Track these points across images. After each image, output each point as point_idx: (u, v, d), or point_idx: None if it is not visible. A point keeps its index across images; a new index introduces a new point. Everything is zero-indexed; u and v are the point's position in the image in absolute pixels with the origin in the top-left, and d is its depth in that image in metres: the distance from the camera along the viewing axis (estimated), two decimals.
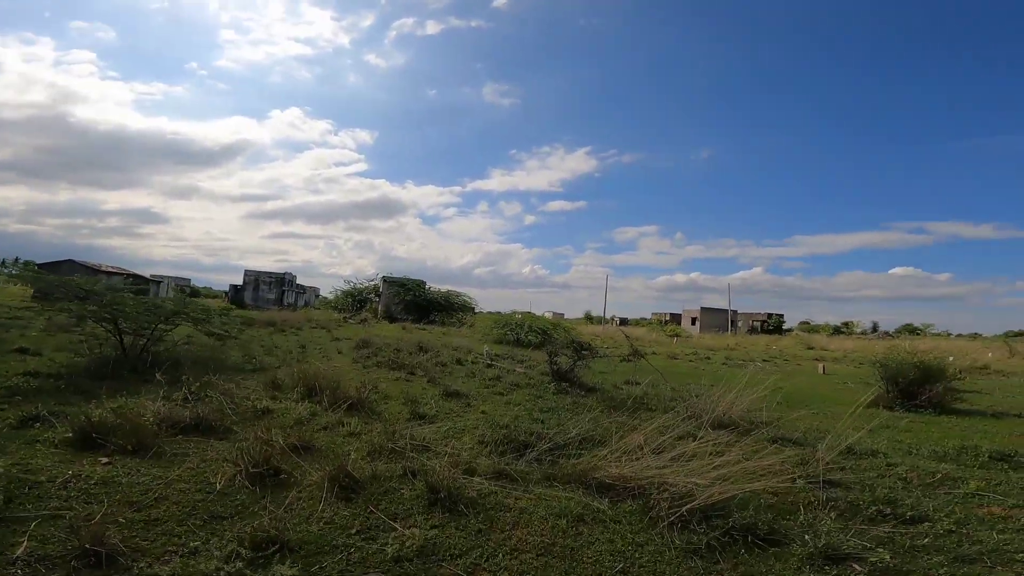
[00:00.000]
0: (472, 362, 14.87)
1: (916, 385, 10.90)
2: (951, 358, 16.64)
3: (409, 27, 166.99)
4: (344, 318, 36.59)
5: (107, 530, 3.03)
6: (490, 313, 50.29)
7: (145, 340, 9.41)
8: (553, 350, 12.05)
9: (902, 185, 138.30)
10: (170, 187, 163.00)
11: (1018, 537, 4.09)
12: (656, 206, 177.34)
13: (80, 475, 3.89)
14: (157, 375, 7.96)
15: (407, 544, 3.38)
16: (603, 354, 12.35)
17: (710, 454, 4.92)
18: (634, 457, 5.20)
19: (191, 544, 3.11)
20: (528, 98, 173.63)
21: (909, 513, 4.41)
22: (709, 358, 25.01)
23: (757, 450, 5.38)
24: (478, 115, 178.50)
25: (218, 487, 3.96)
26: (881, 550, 3.69)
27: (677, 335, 44.51)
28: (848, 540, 3.77)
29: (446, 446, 5.50)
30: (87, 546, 2.83)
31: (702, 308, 76.76)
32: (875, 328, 75.94)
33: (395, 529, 3.62)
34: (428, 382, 10.44)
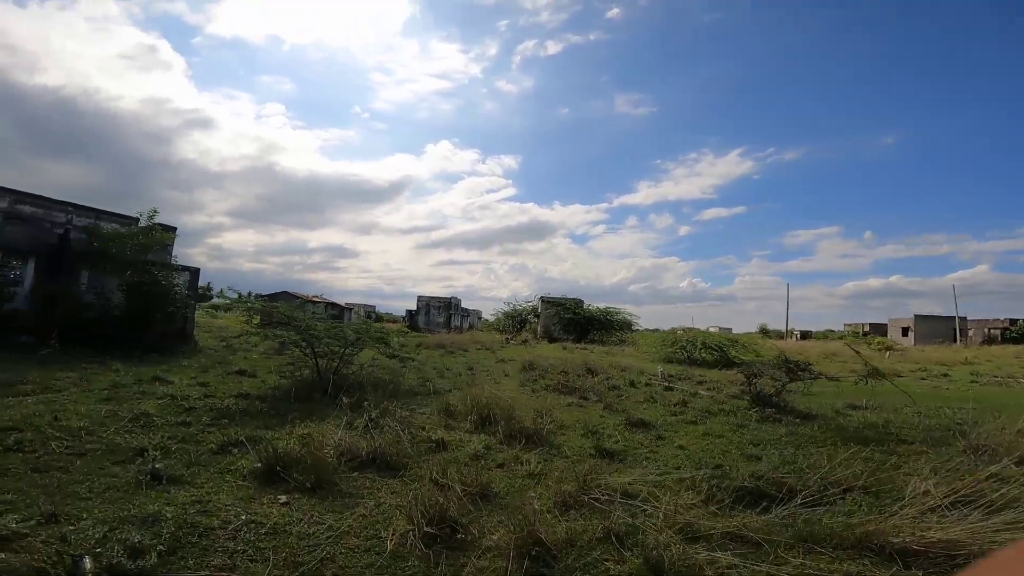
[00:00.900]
0: (646, 384, 13.41)
1: None
2: None
3: (531, 50, 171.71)
4: (506, 339, 37.31)
5: None
6: (650, 330, 47.31)
7: (336, 363, 9.87)
8: (753, 371, 10.11)
9: None
10: (355, 224, 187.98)
11: None
12: (833, 204, 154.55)
13: (254, 521, 3.58)
14: (342, 398, 8.18)
15: None
16: (819, 374, 9.98)
17: None
18: (927, 509, 3.60)
19: None
20: (663, 104, 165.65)
21: None
22: (947, 375, 19.90)
23: None
24: (613, 127, 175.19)
25: (389, 547, 3.32)
26: None
27: (890, 348, 36.95)
28: None
29: (654, 496, 4.32)
30: None
31: (916, 316, 63.54)
32: None
33: None
34: (604, 409, 9.34)
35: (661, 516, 3.78)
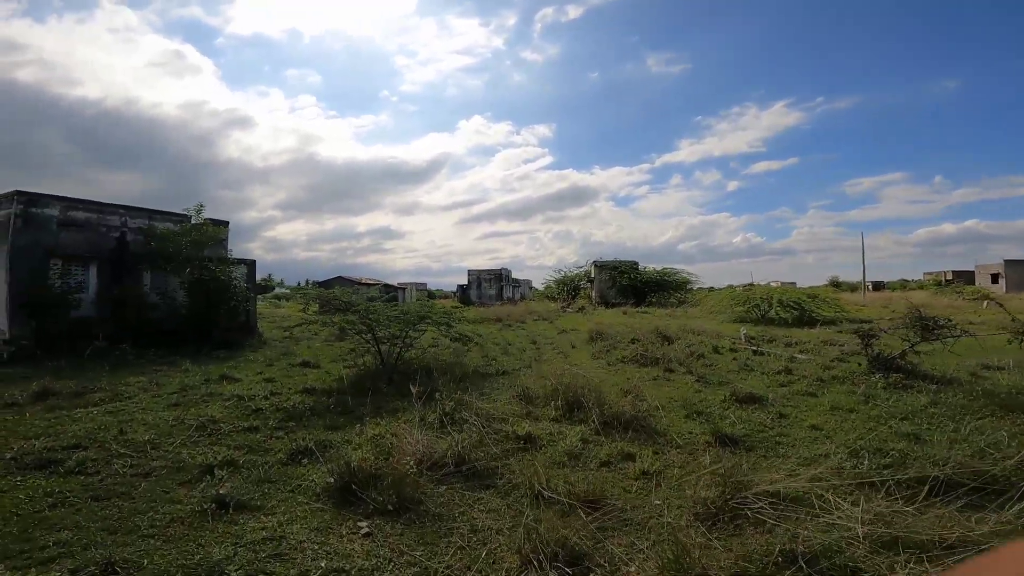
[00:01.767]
0: (732, 350, 12.26)
1: None
2: None
3: (551, 16, 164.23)
4: (562, 308, 36.40)
5: None
6: (707, 289, 44.77)
7: (399, 348, 9.33)
8: (868, 331, 8.83)
9: None
10: (398, 205, 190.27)
11: None
12: (896, 151, 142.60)
13: (336, 570, 2.90)
14: (412, 389, 7.61)
15: None
16: (961, 332, 8.56)
17: None
18: None
19: None
20: (698, 61, 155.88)
21: None
22: None
23: None
24: (649, 88, 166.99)
25: None
26: None
27: (987, 297, 33.47)
28: None
29: (822, 496, 3.39)
30: None
31: (1006, 261, 57.64)
32: None
33: None
34: (697, 381, 8.36)
35: (859, 527, 2.85)
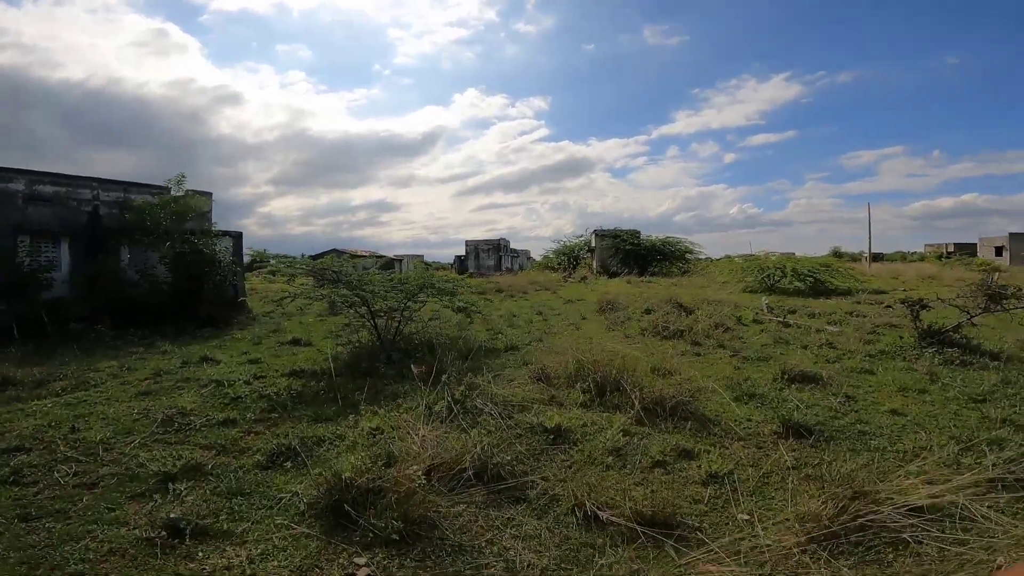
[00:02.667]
0: (755, 321, 11.41)
1: None
2: None
3: None
4: (564, 277, 35.47)
5: None
6: (704, 259, 43.57)
7: (397, 322, 8.41)
8: (917, 300, 7.96)
9: None
10: (394, 178, 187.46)
11: None
12: (895, 125, 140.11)
13: None
14: (412, 368, 6.71)
15: None
16: None
17: None
18: None
19: None
20: (696, 32, 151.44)
21: None
22: None
23: None
24: (646, 60, 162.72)
25: None
26: None
27: (997, 270, 32.64)
28: None
29: (961, 506, 2.52)
30: None
31: (1011, 234, 56.68)
32: None
33: None
34: (733, 356, 7.51)
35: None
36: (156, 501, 3.41)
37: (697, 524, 2.86)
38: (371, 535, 2.79)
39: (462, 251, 62.10)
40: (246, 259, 17.17)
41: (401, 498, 2.92)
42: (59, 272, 12.31)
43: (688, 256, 40.05)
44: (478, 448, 3.71)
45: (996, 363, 6.58)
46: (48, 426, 4.94)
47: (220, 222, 16.28)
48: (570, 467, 3.77)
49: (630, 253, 39.18)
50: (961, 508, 2.60)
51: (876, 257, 68.15)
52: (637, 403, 4.74)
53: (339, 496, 3.02)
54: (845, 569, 2.28)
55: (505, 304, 18.00)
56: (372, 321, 8.29)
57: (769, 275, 21.79)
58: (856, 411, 4.91)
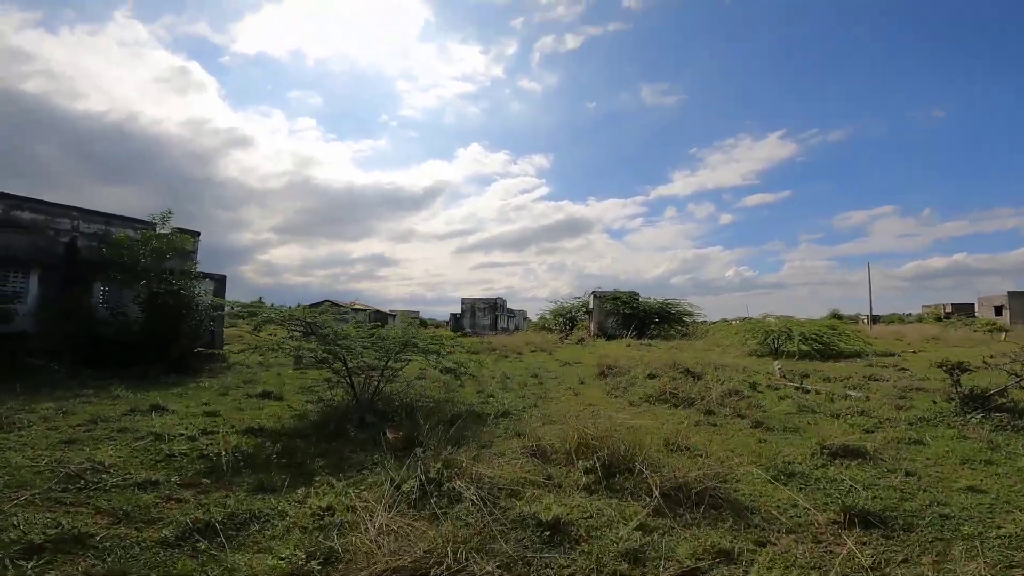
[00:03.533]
0: (770, 387, 10.54)
1: None
2: None
3: (550, 46, 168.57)
4: (560, 338, 34.60)
5: None
6: (704, 323, 42.86)
7: (376, 381, 7.53)
8: (957, 363, 7.24)
9: None
10: (394, 232, 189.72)
11: None
12: (886, 183, 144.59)
13: None
14: (386, 434, 5.79)
15: None
16: None
17: None
18: None
19: None
20: (692, 92, 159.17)
21: None
22: None
23: None
24: (643, 118, 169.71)
25: None
26: None
27: (1004, 329, 32.07)
28: None
29: None
30: None
31: (1010, 293, 56.93)
32: None
33: None
34: (755, 427, 6.62)
35: None
36: None
37: None
38: None
39: (458, 309, 61.38)
40: (257, 296, 16.37)
41: None
42: (23, 304, 11.49)
43: (686, 319, 39.46)
44: (450, 549, 2.80)
45: None
46: None
47: (217, 267, 15.74)
48: None
49: (629, 315, 38.53)
50: None
51: (874, 319, 67.87)
52: (655, 488, 3.84)
53: None
54: None
55: (499, 365, 17.08)
56: (349, 378, 7.41)
57: (774, 338, 21.05)
58: (925, 490, 4.02)
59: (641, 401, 9.14)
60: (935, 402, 7.65)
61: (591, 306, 43.79)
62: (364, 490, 4.09)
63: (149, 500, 3.75)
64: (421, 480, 4.01)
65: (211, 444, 5.46)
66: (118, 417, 6.72)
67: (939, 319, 60.49)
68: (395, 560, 2.70)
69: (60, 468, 4.29)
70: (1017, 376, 6.95)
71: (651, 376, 12.25)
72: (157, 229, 13.54)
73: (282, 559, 2.55)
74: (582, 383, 12.29)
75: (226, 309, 8.12)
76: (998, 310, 57.64)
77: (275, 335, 8.58)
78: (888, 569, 2.81)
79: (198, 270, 14.52)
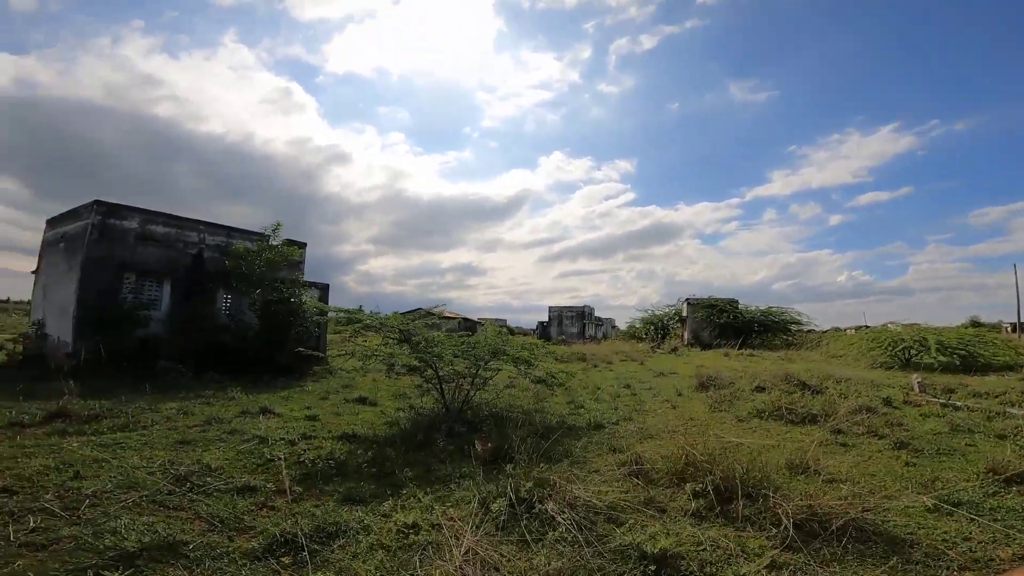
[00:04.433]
0: (905, 402, 9.16)
1: None
2: None
3: (626, 47, 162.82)
4: (652, 348, 33.18)
5: None
6: (815, 332, 38.75)
7: (465, 390, 7.42)
8: None
9: None
10: (481, 242, 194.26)
11: None
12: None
13: None
14: (475, 446, 5.60)
15: None
16: None
17: None
18: None
19: None
20: (786, 87, 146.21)
21: None
22: None
23: None
24: (733, 118, 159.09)
25: None
26: None
27: None
28: None
29: None
30: None
31: None
32: None
33: None
34: (898, 449, 5.66)
35: None
36: None
37: None
38: None
39: (545, 317, 61.16)
40: (358, 304, 17.30)
41: None
42: (158, 311, 12.81)
43: (793, 328, 36.25)
44: None
45: None
46: (55, 468, 4.37)
47: (322, 278, 16.76)
48: None
49: (726, 324, 36.20)
50: None
51: (1022, 327, 58.27)
52: (786, 518, 3.26)
53: None
54: None
55: (589, 375, 16.54)
56: (439, 386, 7.35)
57: (904, 349, 18.56)
58: None
59: (750, 416, 8.27)
60: None
61: (684, 314, 41.69)
62: (451, 506, 3.88)
63: (244, 506, 3.79)
64: (511, 499, 3.72)
65: (308, 449, 5.58)
66: (230, 419, 7.13)
67: None
68: None
69: (170, 470, 4.51)
70: None
71: (759, 389, 11.18)
72: (269, 241, 14.62)
73: None
74: (679, 395, 11.47)
75: (329, 315, 8.33)
76: None
77: (368, 342, 8.78)
78: None
79: (304, 279, 15.51)
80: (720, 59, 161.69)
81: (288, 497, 4.04)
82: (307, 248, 16.36)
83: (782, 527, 3.29)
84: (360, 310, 7.97)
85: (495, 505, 3.68)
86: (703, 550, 3.22)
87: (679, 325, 42.65)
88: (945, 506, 3.77)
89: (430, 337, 7.38)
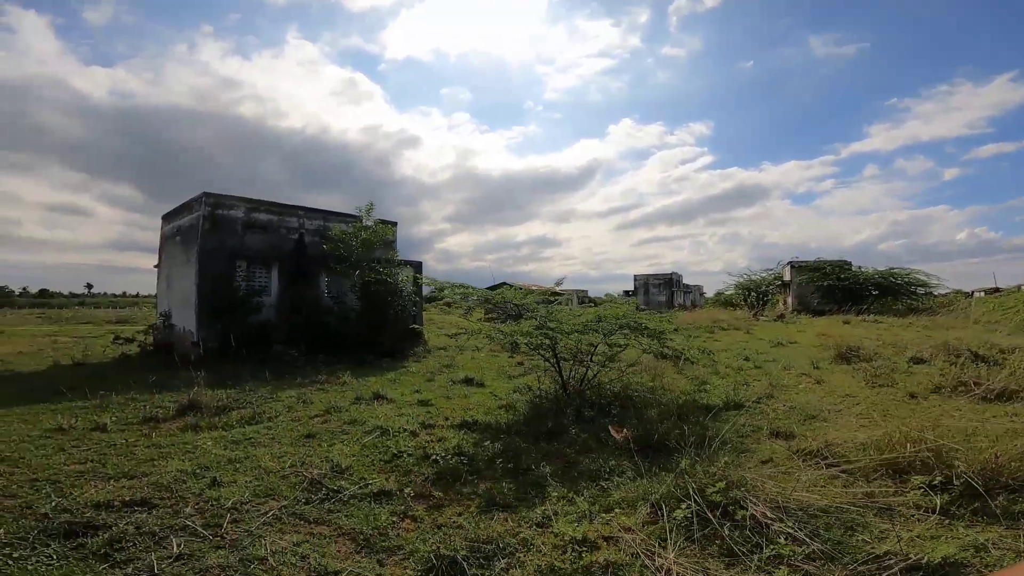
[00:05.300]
0: None
1: None
2: None
3: (687, 7, 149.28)
4: (753, 315, 30.78)
5: None
6: (944, 295, 33.64)
7: (585, 368, 6.77)
8: None
9: None
10: (555, 214, 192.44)
11: None
12: None
13: None
14: (613, 433, 4.94)
15: None
16: None
17: None
18: None
19: None
20: (874, 38, 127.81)
21: None
22: None
23: None
24: (816, 72, 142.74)
25: None
26: None
27: None
28: None
29: None
30: None
31: None
32: None
33: None
34: None
35: None
36: None
37: None
38: None
39: (624, 286, 59.17)
40: (426, 290, 17.17)
41: None
42: (268, 297, 13.27)
43: (919, 291, 32.06)
44: None
45: None
46: (192, 473, 4.22)
47: (405, 257, 16.63)
48: None
49: (837, 288, 32.75)
50: None
51: None
52: None
53: None
54: None
55: (692, 345, 15.33)
56: (556, 366, 6.75)
57: None
58: None
59: (926, 392, 6.97)
60: None
61: (788, 278, 38.39)
62: (619, 513, 3.25)
63: (386, 519, 3.38)
64: (695, 502, 3.02)
65: (431, 441, 5.19)
66: (347, 406, 6.98)
67: None
68: None
69: (302, 471, 4.24)
70: None
71: (917, 360, 9.61)
72: (363, 222, 14.65)
73: None
74: (816, 368, 10.13)
75: (443, 291, 7.87)
76: None
77: (462, 320, 8.37)
78: None
79: (398, 258, 15.49)
80: (793, 14, 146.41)
81: (426, 504, 3.59)
82: (370, 209, 15.99)
83: None
84: (466, 287, 7.50)
85: (679, 511, 3.00)
86: (984, 555, 2.37)
87: (781, 291, 39.47)
88: None
89: (550, 312, 6.76)
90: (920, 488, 3.21)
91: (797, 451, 4.39)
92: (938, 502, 3.01)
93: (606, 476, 4.07)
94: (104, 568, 2.72)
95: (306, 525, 3.30)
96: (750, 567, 2.49)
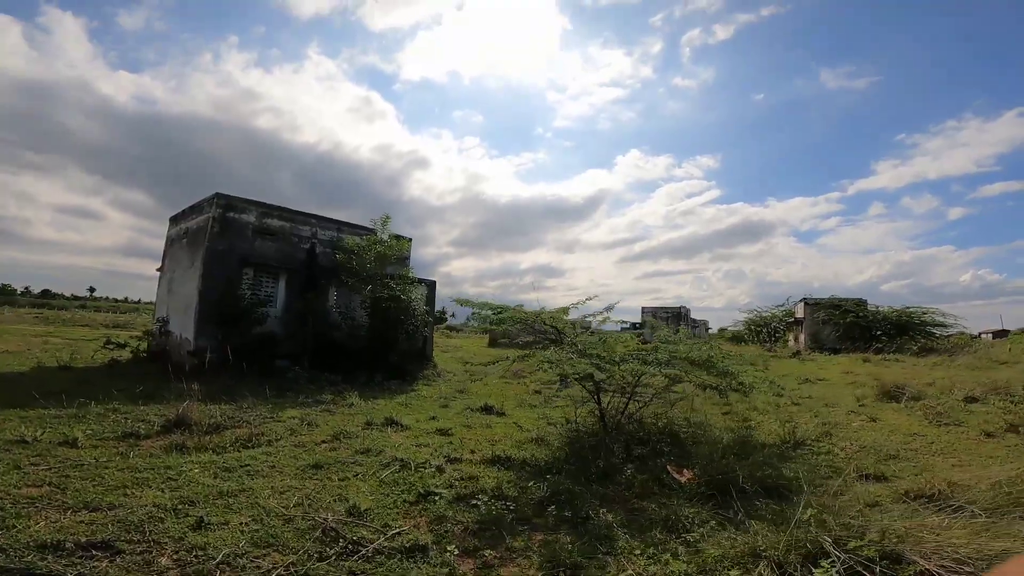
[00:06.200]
0: None
1: None
2: None
3: (699, 39, 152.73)
4: (768, 351, 29.95)
5: None
6: (958, 334, 32.76)
7: (628, 399, 6.05)
8: None
9: None
10: (559, 243, 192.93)
11: None
12: None
13: None
14: (674, 474, 4.21)
15: None
16: None
17: None
18: None
19: None
20: (886, 72, 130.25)
21: None
22: None
23: None
24: (827, 106, 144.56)
25: None
26: None
27: None
28: None
29: None
30: None
31: None
32: None
33: None
34: None
35: None
36: None
37: None
38: None
39: (629, 318, 58.27)
40: (440, 306, 16.39)
41: None
42: (274, 307, 12.55)
43: (934, 331, 31.27)
44: None
45: None
46: (172, 509, 3.46)
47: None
48: None
49: (853, 326, 32.04)
50: None
51: None
52: None
53: None
54: None
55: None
56: (596, 397, 6.03)
57: None
58: None
59: (1001, 432, 6.26)
60: None
61: (800, 315, 37.67)
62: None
63: None
64: (837, 557, 2.30)
65: (462, 479, 4.42)
66: (358, 432, 6.24)
67: None
68: None
69: (312, 514, 3.49)
70: None
71: (970, 399, 8.89)
72: (378, 235, 14.01)
73: None
74: (862, 404, 9.38)
75: (471, 312, 6.95)
76: None
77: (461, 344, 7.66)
78: None
79: (412, 276, 14.81)
80: (806, 46, 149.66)
81: (474, 564, 2.85)
82: (385, 221, 15.35)
83: None
84: (503, 307, 6.82)
85: (823, 572, 2.28)
86: None
87: (793, 328, 38.73)
88: None
89: (593, 341, 6.06)
90: None
91: (906, 493, 3.67)
92: None
93: (690, 527, 3.33)
94: None
95: None
96: None
